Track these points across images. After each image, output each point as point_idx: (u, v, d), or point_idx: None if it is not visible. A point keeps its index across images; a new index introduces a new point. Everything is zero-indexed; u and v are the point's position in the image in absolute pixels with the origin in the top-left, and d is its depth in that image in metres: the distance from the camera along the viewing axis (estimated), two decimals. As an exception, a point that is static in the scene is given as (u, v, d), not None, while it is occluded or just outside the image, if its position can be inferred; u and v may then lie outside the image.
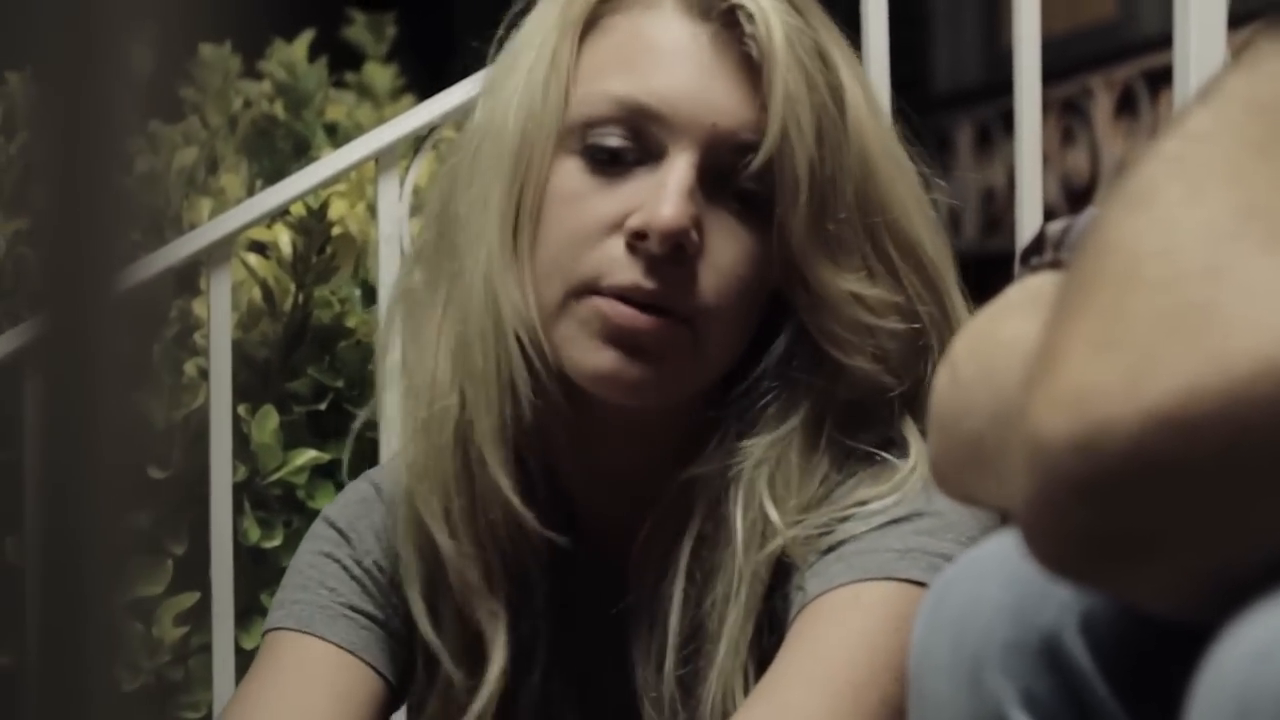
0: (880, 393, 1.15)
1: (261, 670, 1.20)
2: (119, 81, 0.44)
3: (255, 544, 1.73)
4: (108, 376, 0.44)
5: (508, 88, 1.16)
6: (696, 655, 1.15)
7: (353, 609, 1.21)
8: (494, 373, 1.14)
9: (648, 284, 1.10)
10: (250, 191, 1.95)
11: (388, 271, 1.62)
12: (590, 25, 1.15)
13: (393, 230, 1.63)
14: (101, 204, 0.44)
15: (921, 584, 1.08)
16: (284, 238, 1.80)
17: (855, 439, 1.15)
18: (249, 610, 1.72)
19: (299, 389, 1.79)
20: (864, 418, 1.16)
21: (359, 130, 2.11)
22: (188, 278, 1.80)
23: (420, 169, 1.66)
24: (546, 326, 1.13)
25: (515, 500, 1.15)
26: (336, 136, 2.20)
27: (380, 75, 2.41)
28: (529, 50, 1.16)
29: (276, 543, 1.74)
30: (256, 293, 1.79)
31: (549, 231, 1.13)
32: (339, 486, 1.74)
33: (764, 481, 1.13)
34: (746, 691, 1.12)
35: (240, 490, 1.71)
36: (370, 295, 1.80)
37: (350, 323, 1.81)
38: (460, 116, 1.59)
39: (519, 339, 1.12)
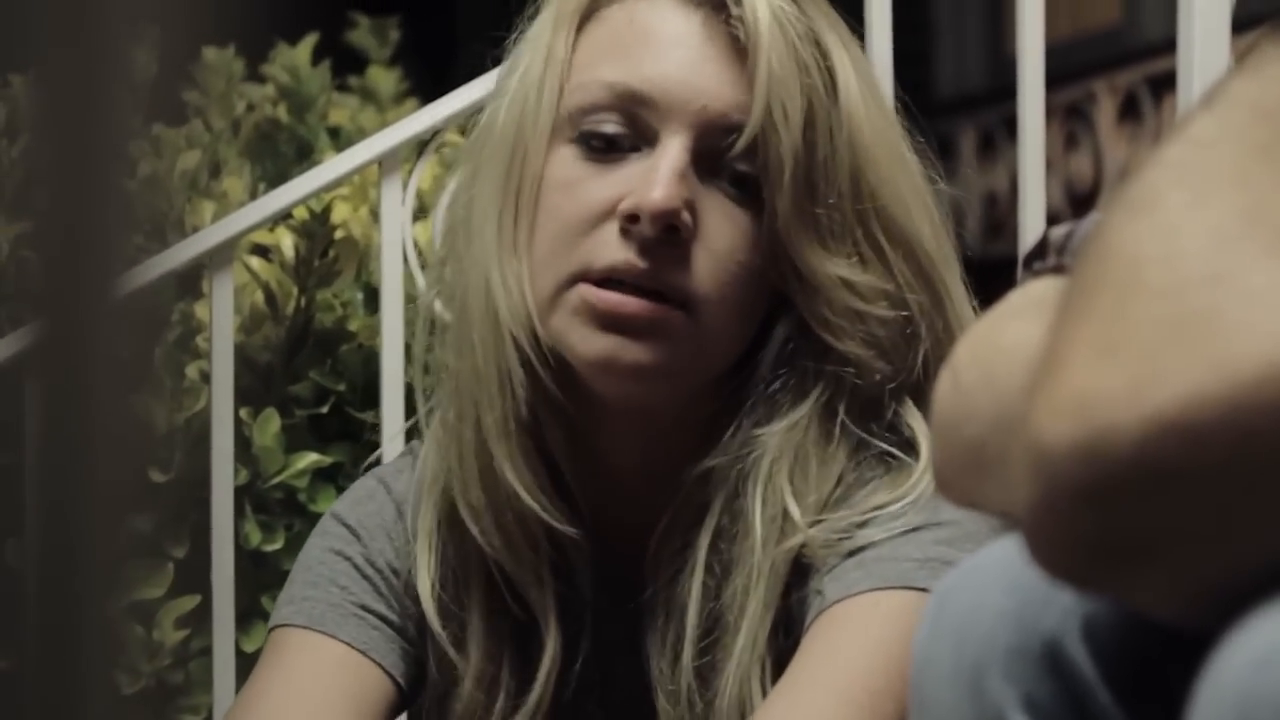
0: (877, 380, 1.15)
1: (270, 668, 1.20)
2: (121, 84, 0.44)
3: (256, 547, 1.73)
4: (109, 380, 0.44)
5: (506, 88, 1.18)
6: (714, 647, 1.15)
7: (364, 608, 1.21)
8: (494, 371, 1.15)
9: (640, 263, 1.11)
10: (253, 195, 1.95)
11: (390, 275, 1.62)
12: (587, 17, 1.17)
13: (395, 234, 1.63)
14: (103, 207, 0.44)
15: None
16: (286, 241, 1.80)
17: (867, 429, 1.16)
18: (249, 613, 1.72)
19: (301, 392, 1.79)
20: (873, 407, 1.16)
21: (362, 134, 2.11)
22: (190, 281, 1.80)
23: (423, 173, 1.67)
24: (545, 319, 1.13)
25: (524, 494, 1.15)
26: (339, 140, 2.20)
27: (383, 79, 2.41)
28: (528, 50, 1.18)
29: (277, 546, 1.74)
30: (259, 296, 1.79)
31: (545, 221, 1.14)
32: (340, 490, 1.74)
33: (784, 475, 1.14)
34: (763, 685, 1.12)
35: (241, 493, 1.71)
36: (373, 299, 1.81)
37: (352, 326, 1.81)
38: (464, 120, 1.59)
39: (514, 338, 1.13)
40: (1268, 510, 0.57)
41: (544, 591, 1.19)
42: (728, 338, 1.15)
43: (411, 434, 1.41)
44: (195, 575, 1.65)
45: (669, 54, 1.14)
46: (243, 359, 1.75)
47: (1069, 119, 4.19)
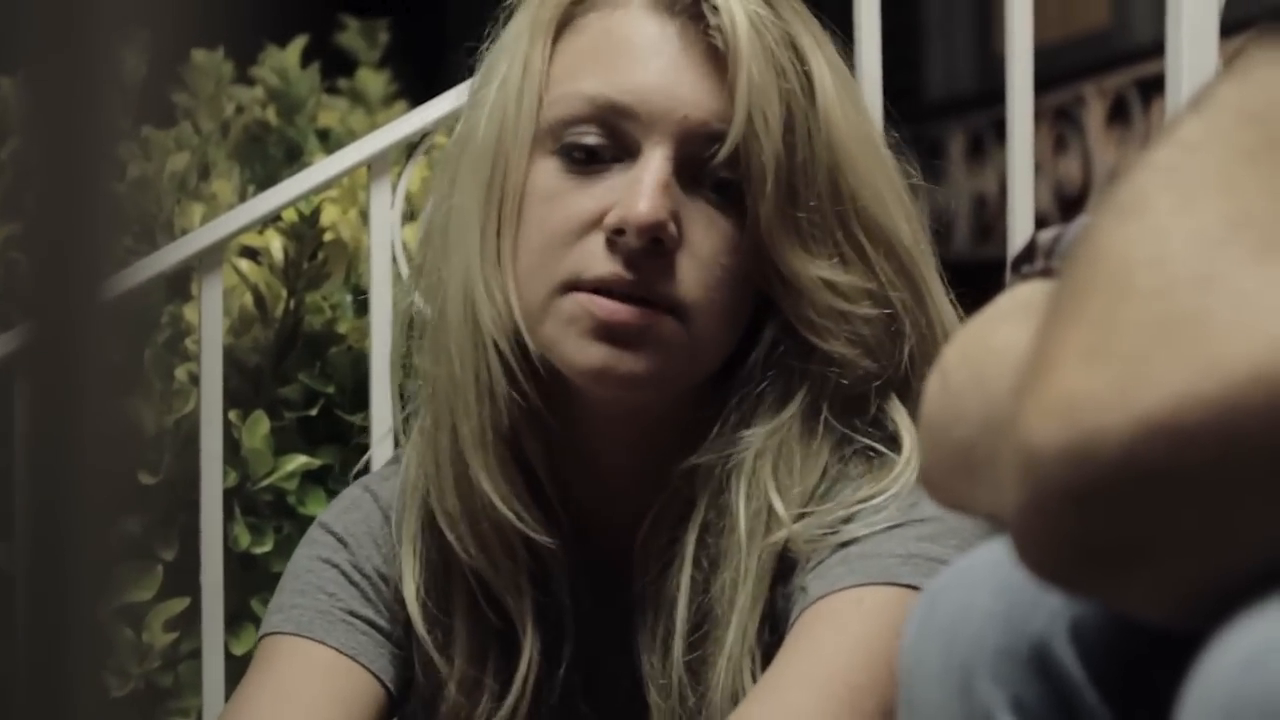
0: (863, 378, 1.15)
1: (260, 674, 1.20)
2: (110, 86, 0.44)
3: (245, 550, 1.73)
4: (97, 382, 0.44)
5: (484, 98, 1.17)
6: (704, 641, 1.15)
7: (352, 614, 1.22)
8: (472, 381, 1.15)
9: (627, 274, 1.11)
10: (242, 197, 1.95)
11: (379, 278, 1.62)
12: (563, 26, 1.17)
13: (385, 236, 1.63)
14: (92, 209, 0.44)
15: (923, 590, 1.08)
16: (276, 243, 1.80)
17: (851, 426, 1.16)
18: (239, 616, 1.72)
19: (290, 395, 1.79)
20: (857, 404, 1.16)
21: (351, 136, 2.11)
22: (179, 283, 1.80)
23: (412, 175, 1.66)
24: (534, 328, 1.14)
25: (500, 504, 1.16)
26: (329, 142, 2.20)
27: (373, 81, 2.41)
28: (504, 59, 1.18)
29: (267, 548, 1.74)
30: (248, 298, 1.79)
31: (529, 233, 1.14)
32: (330, 492, 1.74)
33: (768, 471, 1.14)
34: (754, 677, 1.13)
35: (231, 496, 1.71)
36: (362, 301, 1.80)
37: (342, 329, 1.81)
38: (453, 123, 1.59)
39: (497, 347, 1.13)
40: (1256, 512, 0.57)
41: (522, 599, 1.19)
42: (716, 342, 1.15)
43: (400, 437, 1.41)
44: (184, 578, 1.65)
45: (648, 64, 1.14)
46: (232, 361, 1.75)
47: (1058, 122, 4.19)
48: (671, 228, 1.11)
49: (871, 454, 1.16)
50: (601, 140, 1.13)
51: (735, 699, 1.12)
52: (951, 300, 1.21)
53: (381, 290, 1.62)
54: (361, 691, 1.20)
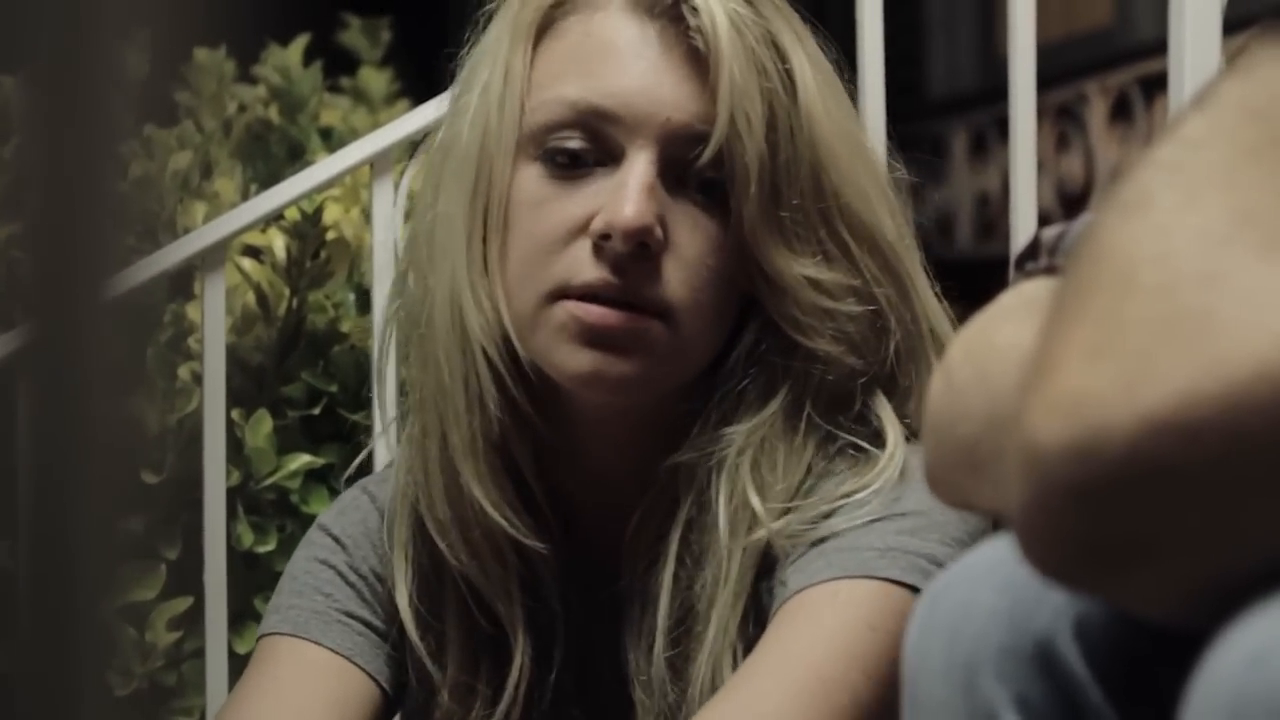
0: (849, 375, 1.15)
1: (256, 675, 1.21)
2: (113, 85, 0.44)
3: (248, 549, 1.73)
4: (100, 381, 0.44)
5: (466, 104, 1.17)
6: (686, 637, 1.16)
7: (348, 615, 1.22)
8: (461, 389, 1.15)
9: (615, 280, 1.11)
10: (244, 196, 1.95)
11: (382, 276, 1.62)
12: (543, 30, 1.17)
13: (387, 235, 1.63)
14: (95, 208, 0.44)
15: (901, 583, 1.08)
16: (278, 242, 1.80)
17: (835, 423, 1.16)
18: (242, 615, 1.72)
19: (293, 394, 1.79)
20: (841, 401, 1.16)
21: (354, 135, 2.11)
22: (182, 282, 1.80)
23: (415, 174, 1.66)
24: (525, 337, 1.14)
25: (490, 510, 1.16)
26: (331, 141, 2.20)
27: (375, 80, 2.41)
28: (485, 65, 1.17)
29: (270, 547, 1.74)
30: (250, 297, 1.79)
31: (516, 240, 1.14)
32: (333, 491, 1.74)
33: (747, 469, 1.14)
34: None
35: (234, 495, 1.71)
36: (365, 300, 1.80)
37: (344, 327, 1.81)
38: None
39: (486, 354, 1.14)
40: (1260, 509, 0.57)
41: (513, 604, 1.20)
42: (704, 342, 1.15)
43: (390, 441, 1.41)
44: (187, 577, 1.65)
45: (629, 67, 1.13)
46: (235, 360, 1.75)
47: (1060, 120, 4.19)
48: (658, 231, 1.11)
49: (856, 451, 1.16)
50: (585, 145, 1.13)
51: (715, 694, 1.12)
52: (937, 294, 1.21)
53: (384, 289, 1.62)
54: (357, 692, 1.20)
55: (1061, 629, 0.67)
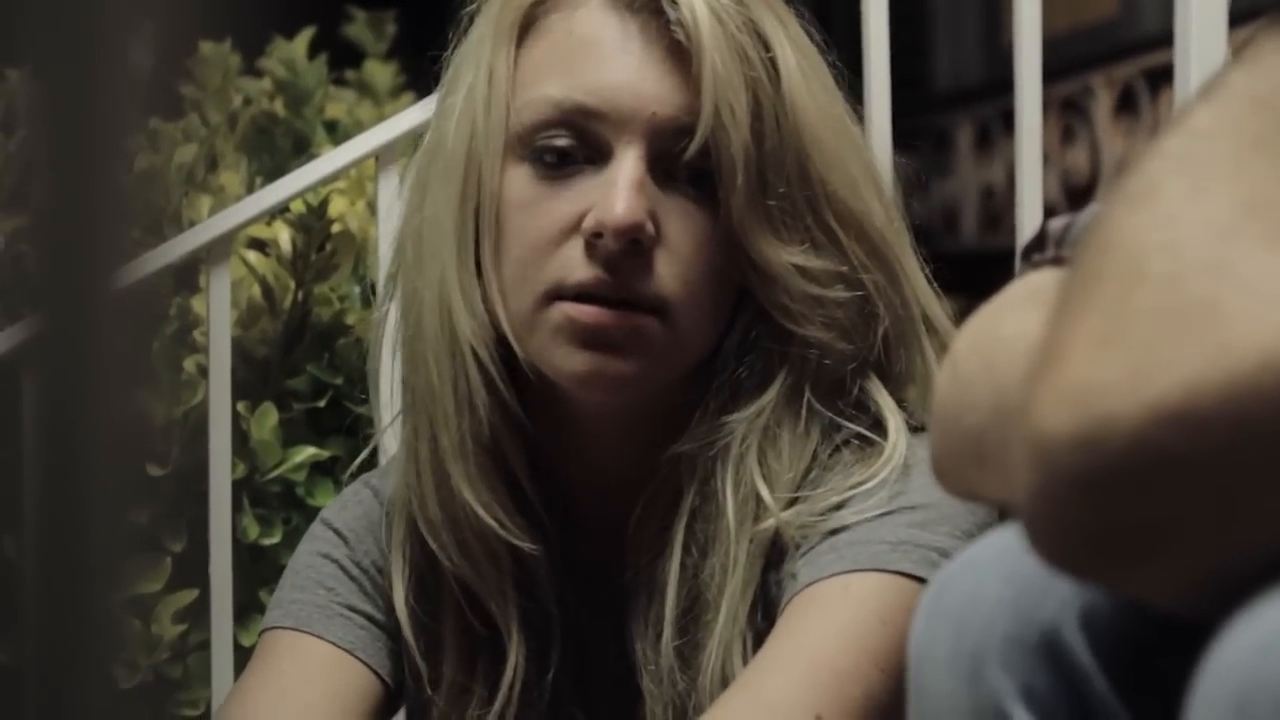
0: (843, 360, 1.15)
1: (258, 668, 1.21)
2: (119, 78, 0.44)
3: (254, 541, 1.73)
4: (107, 374, 0.44)
5: (452, 106, 1.17)
6: (694, 625, 1.15)
7: (350, 609, 1.22)
8: (450, 391, 1.15)
9: (608, 278, 1.11)
10: (250, 189, 1.95)
11: (387, 268, 1.61)
12: (525, 30, 1.17)
13: (392, 227, 1.62)
14: (101, 201, 0.44)
15: (912, 577, 1.08)
16: (284, 235, 1.80)
17: (836, 409, 1.16)
18: (248, 607, 1.72)
19: (298, 386, 1.79)
20: (840, 387, 1.16)
21: (359, 128, 2.11)
22: (187, 275, 1.80)
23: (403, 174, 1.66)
24: (522, 337, 1.14)
25: (482, 512, 1.16)
26: (336, 134, 2.20)
27: (380, 73, 2.41)
28: (468, 66, 1.17)
29: (275, 540, 1.74)
30: (256, 290, 1.79)
31: (509, 243, 1.14)
32: (338, 484, 1.74)
33: (753, 458, 1.14)
34: (744, 661, 1.13)
35: (239, 487, 1.71)
36: (371, 292, 1.80)
37: (350, 320, 1.81)
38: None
39: (476, 356, 1.14)
40: (1266, 499, 0.57)
41: (507, 605, 1.20)
42: (700, 335, 1.15)
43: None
44: (193, 569, 1.65)
45: (612, 64, 1.13)
46: (240, 353, 1.75)
47: (1066, 112, 4.19)
48: (649, 227, 1.11)
49: (860, 441, 1.16)
50: (572, 143, 1.13)
51: (725, 683, 1.12)
52: (927, 276, 1.20)
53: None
54: (359, 686, 1.20)
55: (1067, 619, 0.67)
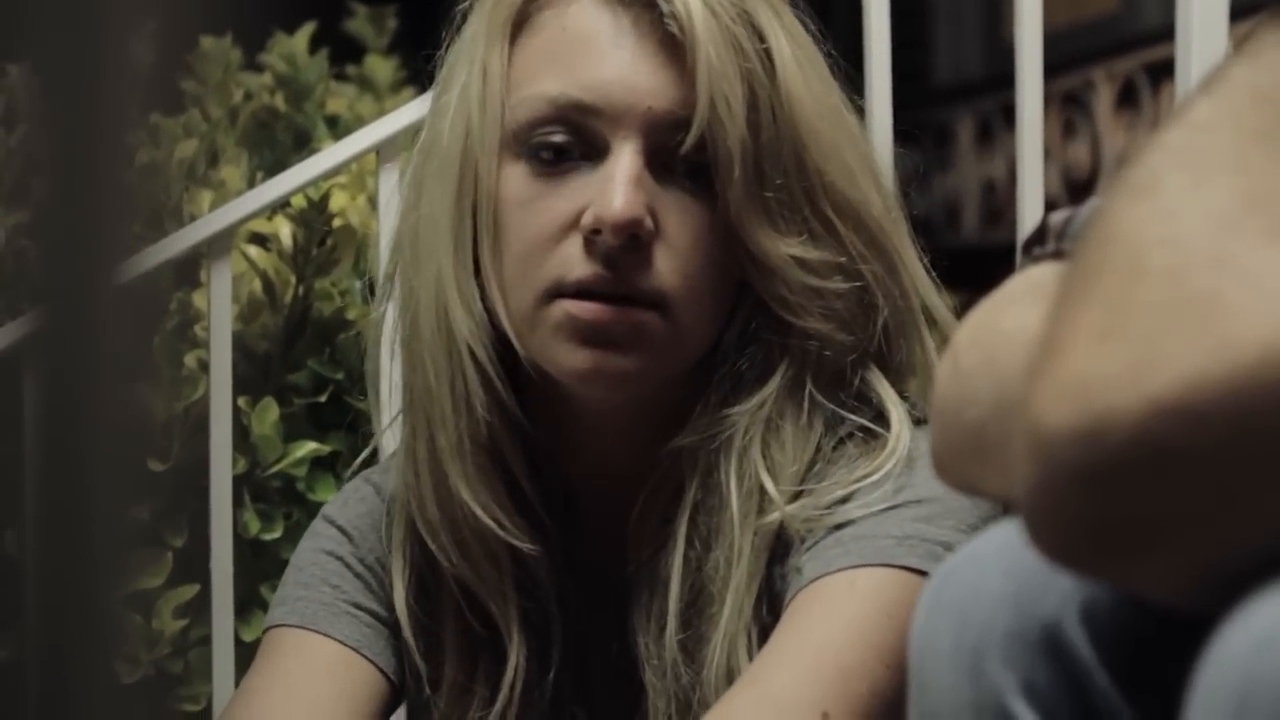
0: (843, 351, 1.15)
1: (265, 666, 1.21)
2: (120, 74, 0.44)
3: (255, 536, 1.73)
4: (108, 368, 0.44)
5: (446, 105, 1.17)
6: (698, 619, 1.15)
7: (357, 606, 1.22)
8: (447, 390, 1.15)
9: (608, 274, 1.11)
10: (251, 183, 1.95)
11: (384, 269, 1.61)
12: (519, 26, 1.16)
13: (393, 222, 1.63)
14: (102, 196, 0.44)
15: (919, 571, 1.08)
16: (284, 230, 1.80)
17: (837, 400, 1.16)
18: (249, 602, 1.72)
19: (299, 381, 1.79)
20: (841, 378, 1.16)
21: (360, 122, 2.11)
22: (188, 270, 1.80)
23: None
24: (523, 335, 1.14)
25: (480, 512, 1.16)
26: (337, 129, 2.20)
27: (381, 68, 2.41)
28: (463, 64, 1.17)
29: (276, 535, 1.74)
30: (257, 285, 1.79)
31: (508, 241, 1.14)
32: (339, 478, 1.74)
33: (757, 450, 1.14)
34: (749, 654, 1.12)
35: (240, 482, 1.71)
36: (371, 288, 1.80)
37: (351, 315, 1.81)
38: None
39: (473, 356, 1.13)
40: (1267, 493, 0.57)
41: (507, 605, 1.19)
42: (701, 328, 1.15)
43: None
44: (194, 564, 1.65)
45: (606, 59, 1.13)
46: (241, 348, 1.75)
47: (1067, 107, 4.19)
48: (648, 222, 1.11)
49: (864, 434, 1.16)
50: (568, 139, 1.13)
51: (730, 676, 1.12)
52: (926, 267, 1.20)
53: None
54: (366, 683, 1.20)
55: (1068, 614, 0.67)
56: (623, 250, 1.10)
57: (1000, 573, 0.70)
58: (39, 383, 0.45)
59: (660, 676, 1.17)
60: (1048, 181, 1.59)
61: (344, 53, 2.42)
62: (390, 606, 1.23)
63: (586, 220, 1.11)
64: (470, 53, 1.17)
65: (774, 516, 1.13)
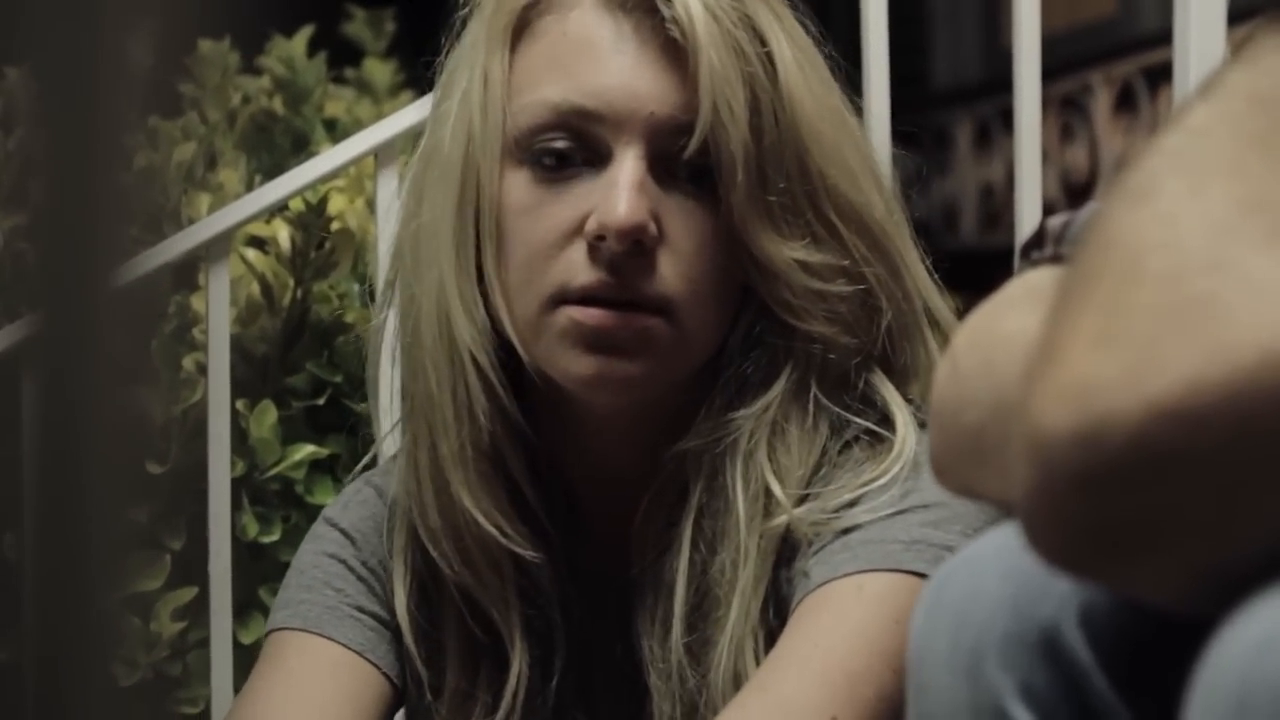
0: (847, 355, 1.15)
1: (269, 670, 1.20)
2: (118, 77, 0.44)
3: (253, 539, 1.73)
4: (106, 372, 0.44)
5: (447, 112, 1.17)
6: (704, 622, 1.15)
7: (360, 609, 1.21)
8: (449, 398, 1.15)
9: (612, 280, 1.11)
10: (249, 187, 1.95)
11: (386, 266, 1.61)
12: (519, 33, 1.16)
13: (391, 226, 1.63)
14: (100, 199, 0.44)
15: (926, 577, 1.07)
16: (283, 233, 1.80)
17: (842, 403, 1.16)
18: (247, 605, 1.72)
19: (297, 384, 1.79)
20: (845, 381, 1.16)
21: (358, 126, 2.11)
22: (186, 273, 1.80)
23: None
24: (527, 342, 1.14)
25: (482, 520, 1.16)
26: (335, 132, 2.20)
27: (379, 71, 2.41)
28: (463, 71, 1.17)
29: (275, 538, 1.74)
30: (255, 288, 1.79)
31: (511, 249, 1.14)
32: (337, 481, 1.74)
33: (763, 454, 1.14)
34: (756, 658, 1.12)
35: (238, 485, 1.71)
36: (371, 293, 1.80)
37: (349, 318, 1.81)
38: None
39: (475, 363, 1.13)
40: (1265, 496, 0.57)
41: (510, 613, 1.19)
42: (706, 334, 1.15)
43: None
44: (192, 567, 1.65)
45: (608, 64, 1.13)
46: (239, 351, 1.75)
47: (1065, 110, 4.19)
48: (652, 228, 1.10)
49: (870, 437, 1.16)
50: (570, 145, 1.12)
51: (737, 680, 1.12)
52: (928, 269, 1.20)
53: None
54: (370, 687, 1.20)
55: (1066, 617, 0.67)
56: (627, 256, 1.10)
57: (998, 575, 0.70)
58: (37, 385, 0.45)
59: (665, 680, 1.16)
60: (1046, 185, 1.59)
61: (342, 56, 2.42)
62: (392, 610, 1.22)
63: (590, 227, 1.10)
64: (471, 59, 1.16)
65: (781, 520, 1.13)
